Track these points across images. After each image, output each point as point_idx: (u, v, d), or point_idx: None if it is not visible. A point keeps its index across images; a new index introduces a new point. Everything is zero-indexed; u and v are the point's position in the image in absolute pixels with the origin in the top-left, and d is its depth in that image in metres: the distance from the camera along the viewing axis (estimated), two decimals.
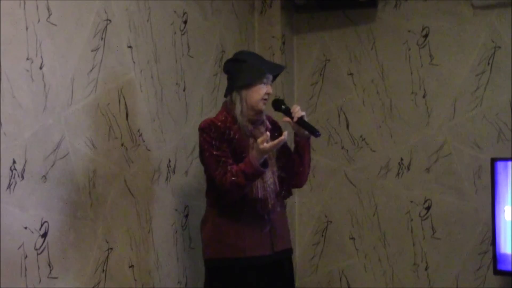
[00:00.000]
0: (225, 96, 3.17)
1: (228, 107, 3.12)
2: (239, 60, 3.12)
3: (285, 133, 2.95)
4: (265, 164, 2.97)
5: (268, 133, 2.95)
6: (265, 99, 3.09)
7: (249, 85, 3.06)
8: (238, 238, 3.06)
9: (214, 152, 3.01)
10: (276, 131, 3.20)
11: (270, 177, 3.11)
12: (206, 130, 3.05)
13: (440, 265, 4.01)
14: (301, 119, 3.09)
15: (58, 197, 2.82)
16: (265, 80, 3.09)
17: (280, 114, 3.22)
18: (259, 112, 3.11)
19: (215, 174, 3.02)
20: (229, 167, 2.99)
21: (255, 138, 3.04)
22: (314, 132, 3.08)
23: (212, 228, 3.12)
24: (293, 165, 3.20)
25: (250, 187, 3.03)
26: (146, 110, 3.36)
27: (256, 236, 3.09)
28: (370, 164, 4.21)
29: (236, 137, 3.07)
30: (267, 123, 3.19)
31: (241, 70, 3.07)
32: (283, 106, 3.15)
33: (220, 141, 3.03)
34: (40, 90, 2.74)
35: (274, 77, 3.20)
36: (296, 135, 3.18)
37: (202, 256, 3.19)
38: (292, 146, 3.25)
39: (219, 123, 3.06)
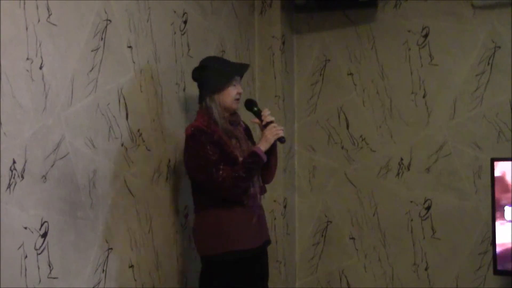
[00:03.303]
0: (200, 102, 3.29)
1: (206, 112, 3.22)
2: (205, 67, 3.27)
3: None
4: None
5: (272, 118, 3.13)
6: (237, 99, 3.26)
7: (220, 89, 3.20)
8: (238, 232, 3.17)
9: (212, 158, 3.11)
10: (247, 131, 3.40)
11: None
12: (197, 136, 3.13)
13: (440, 265, 4.00)
14: (269, 123, 3.24)
15: (58, 197, 2.81)
16: (234, 82, 3.25)
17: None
18: (234, 111, 3.27)
19: (213, 178, 3.10)
20: (223, 172, 3.10)
21: (237, 138, 3.22)
22: (280, 138, 3.22)
23: (210, 226, 3.20)
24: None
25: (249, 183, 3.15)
26: (146, 110, 3.35)
27: (251, 229, 3.22)
28: (370, 164, 4.20)
29: (220, 139, 3.16)
30: (242, 123, 3.36)
31: (209, 76, 3.23)
32: (255, 108, 3.32)
33: (212, 146, 3.12)
34: (40, 90, 2.73)
35: (242, 75, 3.36)
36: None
37: (200, 254, 3.26)
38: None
39: (205, 128, 3.15)
